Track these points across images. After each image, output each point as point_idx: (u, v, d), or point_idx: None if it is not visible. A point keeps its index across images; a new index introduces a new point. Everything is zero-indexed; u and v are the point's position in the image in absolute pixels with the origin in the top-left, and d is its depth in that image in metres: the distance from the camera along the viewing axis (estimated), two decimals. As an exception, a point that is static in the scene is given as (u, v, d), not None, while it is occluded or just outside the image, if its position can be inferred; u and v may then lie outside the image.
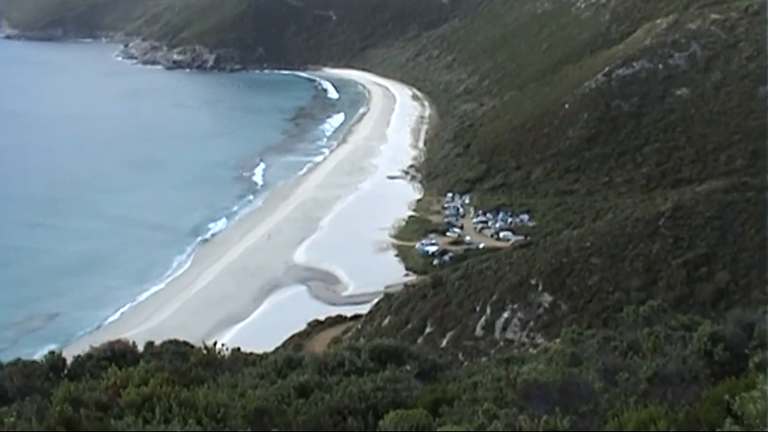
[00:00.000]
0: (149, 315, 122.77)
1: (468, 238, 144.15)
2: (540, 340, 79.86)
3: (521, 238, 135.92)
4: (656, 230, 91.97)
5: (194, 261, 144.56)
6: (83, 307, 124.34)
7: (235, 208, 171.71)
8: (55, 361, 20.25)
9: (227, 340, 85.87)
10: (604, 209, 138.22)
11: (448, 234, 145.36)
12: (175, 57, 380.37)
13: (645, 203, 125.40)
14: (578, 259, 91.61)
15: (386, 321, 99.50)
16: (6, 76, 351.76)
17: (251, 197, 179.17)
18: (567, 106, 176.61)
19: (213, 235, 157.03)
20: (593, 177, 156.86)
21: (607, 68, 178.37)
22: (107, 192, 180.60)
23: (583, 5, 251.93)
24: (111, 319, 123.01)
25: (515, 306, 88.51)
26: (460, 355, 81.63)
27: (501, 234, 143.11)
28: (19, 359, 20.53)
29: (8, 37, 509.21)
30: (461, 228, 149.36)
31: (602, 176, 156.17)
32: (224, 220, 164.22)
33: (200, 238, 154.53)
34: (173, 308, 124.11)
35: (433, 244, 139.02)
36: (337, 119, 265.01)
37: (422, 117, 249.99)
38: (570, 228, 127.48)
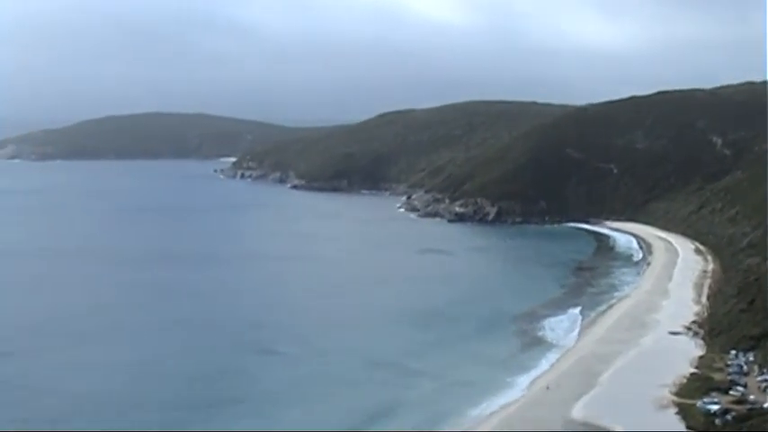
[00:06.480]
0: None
1: (752, 397, 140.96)
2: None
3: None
4: None
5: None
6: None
7: (517, 361, 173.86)
8: None
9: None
10: None
11: (731, 392, 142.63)
12: (457, 209, 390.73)
13: None
14: None
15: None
16: (280, 222, 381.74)
17: (532, 350, 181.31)
18: None
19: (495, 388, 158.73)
20: None
21: None
22: (369, 337, 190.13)
23: None
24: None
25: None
26: None
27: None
28: None
29: (294, 186, 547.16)
30: (745, 386, 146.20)
31: None
32: (504, 372, 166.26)
33: (478, 392, 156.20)
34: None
35: (715, 402, 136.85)
36: (619, 273, 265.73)
37: (704, 271, 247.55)
38: None
